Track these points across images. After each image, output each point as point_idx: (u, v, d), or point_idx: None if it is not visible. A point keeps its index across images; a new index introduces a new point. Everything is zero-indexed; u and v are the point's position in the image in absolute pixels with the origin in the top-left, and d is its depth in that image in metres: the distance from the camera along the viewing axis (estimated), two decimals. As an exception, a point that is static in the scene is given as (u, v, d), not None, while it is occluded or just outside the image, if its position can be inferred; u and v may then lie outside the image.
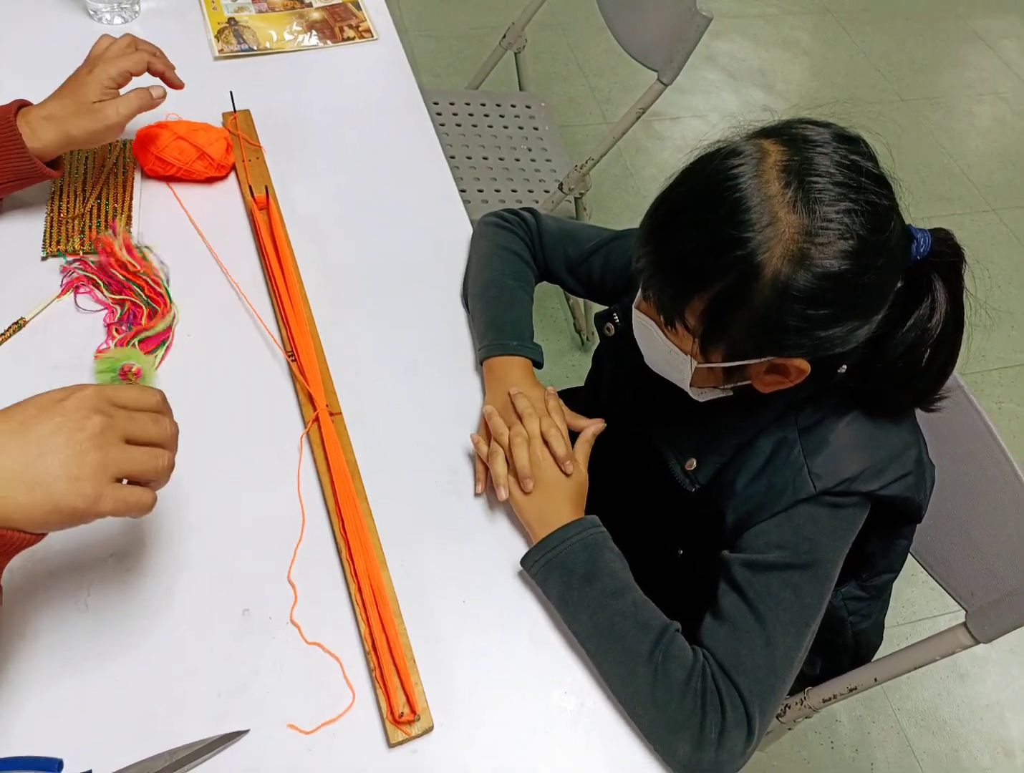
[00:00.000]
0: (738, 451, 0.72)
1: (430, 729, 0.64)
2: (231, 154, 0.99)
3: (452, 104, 1.67)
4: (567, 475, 0.75)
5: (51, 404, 0.54)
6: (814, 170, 0.58)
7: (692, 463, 0.74)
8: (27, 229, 0.89)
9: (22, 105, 0.84)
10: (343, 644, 0.67)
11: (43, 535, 0.53)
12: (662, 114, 2.40)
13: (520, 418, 0.77)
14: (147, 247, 0.88)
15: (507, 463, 0.75)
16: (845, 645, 0.86)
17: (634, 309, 0.72)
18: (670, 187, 0.64)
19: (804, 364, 0.64)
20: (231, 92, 1.03)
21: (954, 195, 2.34)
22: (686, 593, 0.76)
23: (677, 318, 0.64)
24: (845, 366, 0.67)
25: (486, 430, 0.79)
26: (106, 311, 0.85)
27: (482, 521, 0.76)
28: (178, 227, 0.93)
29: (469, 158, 1.57)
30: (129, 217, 0.92)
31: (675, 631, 0.67)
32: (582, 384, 1.02)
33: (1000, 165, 2.45)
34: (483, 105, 1.68)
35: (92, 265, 0.87)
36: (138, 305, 0.84)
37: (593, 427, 0.80)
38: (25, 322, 0.83)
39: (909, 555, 0.84)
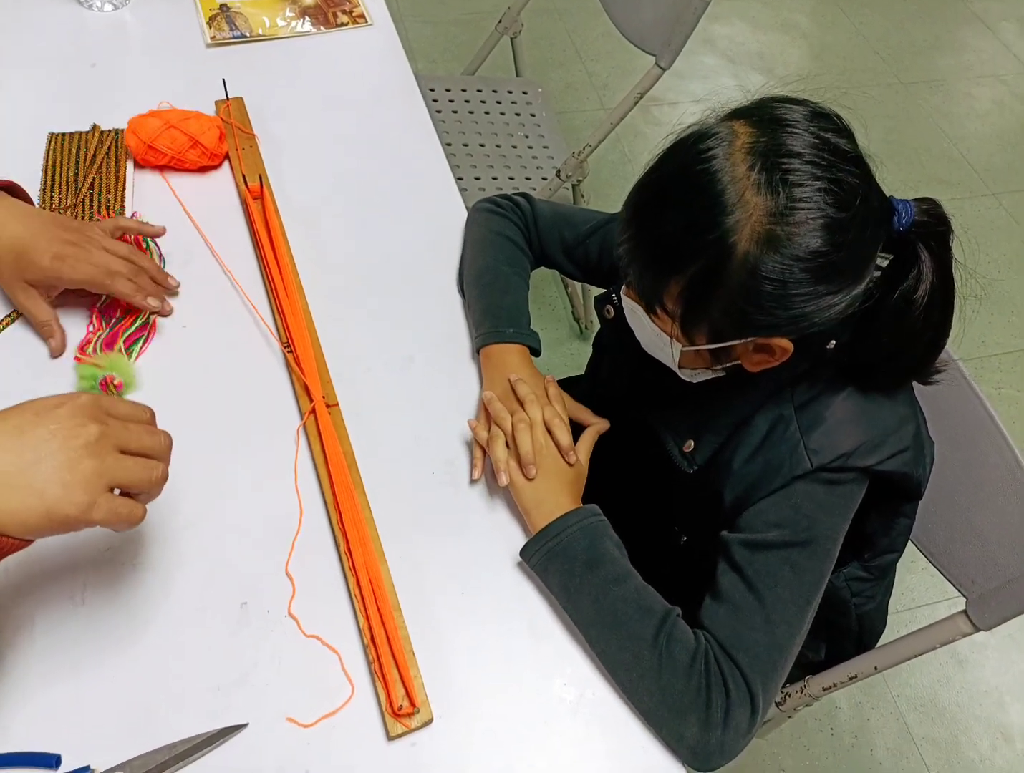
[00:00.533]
0: (734, 430, 0.72)
1: (429, 721, 0.64)
2: (224, 143, 0.98)
3: (448, 90, 1.65)
4: (570, 465, 0.74)
5: (47, 410, 0.53)
6: (781, 150, 0.58)
7: (690, 445, 0.74)
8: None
9: (7, 187, 0.79)
10: (342, 637, 0.67)
11: (31, 541, 0.53)
12: (660, 99, 2.38)
13: (522, 404, 0.77)
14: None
15: (507, 449, 0.75)
16: (849, 628, 0.86)
17: (622, 294, 0.71)
18: (647, 173, 0.65)
19: (786, 343, 0.63)
20: (223, 79, 1.02)
21: (953, 179, 2.33)
22: (687, 579, 0.76)
23: (656, 302, 0.64)
24: (834, 342, 0.67)
25: (484, 417, 0.78)
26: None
27: (480, 512, 0.76)
28: (172, 217, 0.92)
29: (465, 145, 1.55)
30: (122, 207, 0.91)
31: (677, 615, 0.67)
32: (581, 373, 1.01)
33: (999, 148, 2.44)
34: (479, 91, 1.66)
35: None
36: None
37: (598, 426, 0.80)
38: (17, 315, 0.82)
39: (910, 542, 0.84)
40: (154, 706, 0.63)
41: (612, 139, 1.46)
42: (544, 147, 1.59)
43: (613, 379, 0.89)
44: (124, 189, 0.93)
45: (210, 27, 1.12)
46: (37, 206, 0.89)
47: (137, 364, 0.80)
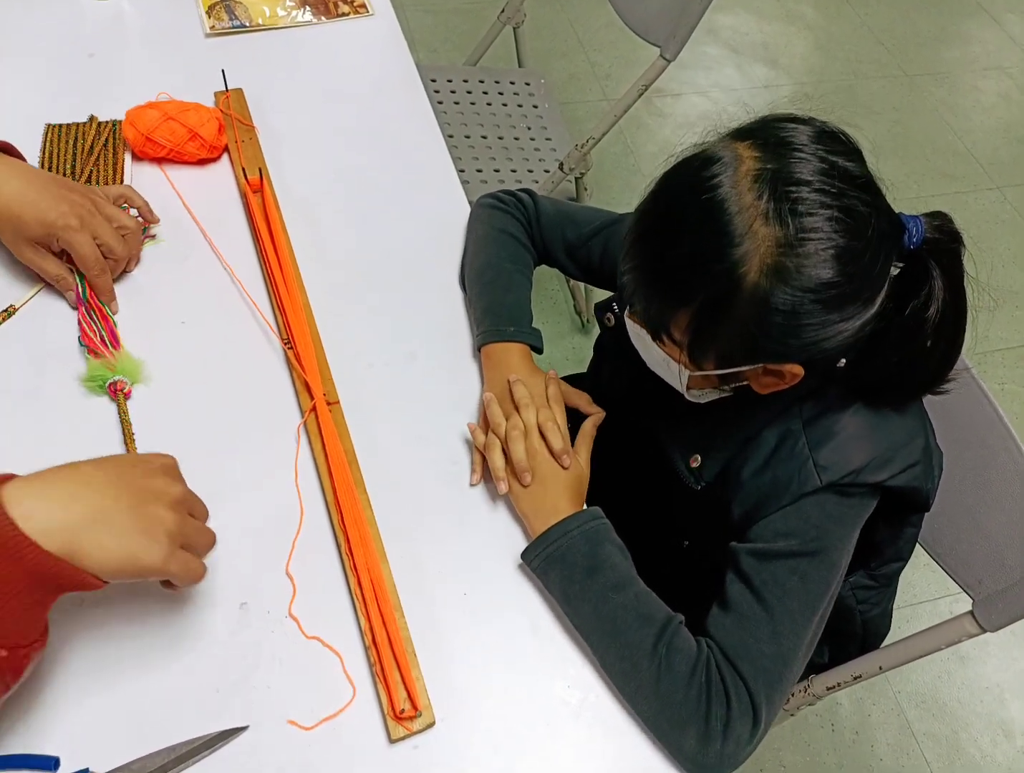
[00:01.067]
0: (742, 445, 0.71)
1: (431, 724, 0.63)
2: (223, 135, 0.96)
3: (450, 81, 1.64)
4: (564, 469, 0.73)
5: (142, 462, 0.59)
6: (790, 178, 0.56)
7: (697, 459, 0.73)
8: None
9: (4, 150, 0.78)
10: (343, 638, 0.66)
11: (102, 585, 0.55)
12: (663, 90, 2.36)
13: (517, 408, 0.76)
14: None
15: (505, 455, 0.74)
16: (853, 633, 0.86)
17: (626, 317, 0.70)
18: (650, 198, 0.63)
19: (797, 368, 0.62)
20: (223, 70, 1.00)
21: (958, 173, 2.31)
22: (690, 583, 0.75)
23: (663, 332, 0.63)
24: (844, 360, 0.66)
25: (484, 420, 0.78)
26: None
27: (483, 511, 0.75)
28: (170, 210, 0.91)
29: (467, 137, 1.54)
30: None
31: (679, 623, 0.66)
32: (583, 367, 1.00)
33: (1005, 141, 2.42)
34: (481, 82, 1.65)
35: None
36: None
37: (593, 418, 0.78)
38: (15, 309, 0.81)
39: (918, 539, 0.83)
40: (154, 708, 0.62)
41: (615, 131, 1.44)
42: (547, 139, 1.58)
43: (613, 383, 0.88)
44: (122, 181, 0.92)
45: (209, 16, 1.10)
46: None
47: (144, 365, 0.79)
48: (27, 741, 0.60)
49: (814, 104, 0.65)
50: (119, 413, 0.75)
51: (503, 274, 0.86)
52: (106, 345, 0.78)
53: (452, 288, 0.91)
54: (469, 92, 1.63)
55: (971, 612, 0.78)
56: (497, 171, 1.50)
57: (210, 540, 0.63)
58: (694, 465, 0.73)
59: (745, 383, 0.66)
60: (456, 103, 1.60)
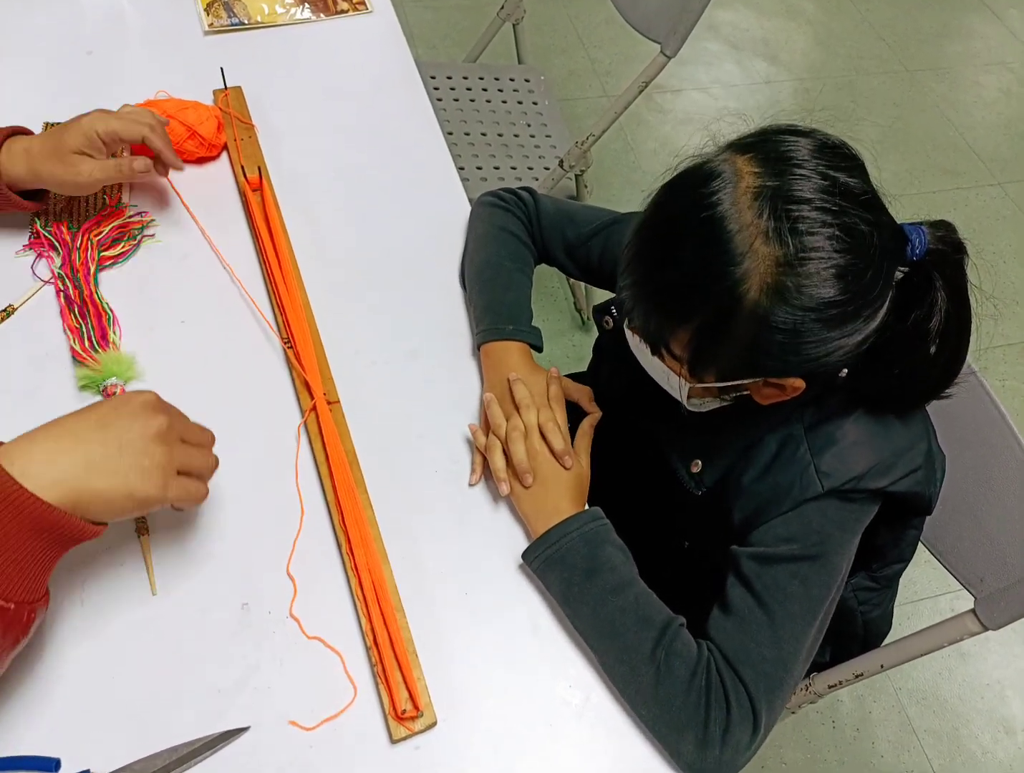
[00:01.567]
0: (744, 452, 0.71)
1: (433, 725, 0.63)
2: (222, 133, 0.96)
3: (449, 78, 1.63)
4: (566, 469, 0.73)
5: (121, 404, 0.60)
6: (790, 196, 0.56)
7: (697, 465, 0.73)
8: (14, 216, 0.86)
9: (16, 132, 0.81)
10: (344, 638, 0.66)
11: (101, 531, 0.58)
12: (663, 86, 2.35)
13: (518, 409, 0.75)
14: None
15: (505, 456, 0.74)
16: (855, 634, 0.86)
17: (625, 328, 0.69)
18: (649, 213, 0.62)
19: (798, 382, 0.62)
20: (222, 68, 1.00)
21: (959, 169, 2.30)
22: (690, 584, 0.75)
23: (663, 347, 0.63)
24: (846, 370, 0.65)
25: (485, 419, 0.77)
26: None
27: (484, 511, 0.75)
28: (169, 209, 0.90)
29: (467, 134, 1.53)
30: (119, 198, 0.90)
31: (679, 626, 0.66)
32: (583, 365, 1.00)
33: (1006, 137, 2.41)
34: (481, 79, 1.64)
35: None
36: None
37: (590, 418, 0.78)
38: (13, 309, 0.81)
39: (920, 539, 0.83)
40: (155, 709, 0.62)
41: (615, 127, 1.43)
42: (547, 136, 1.57)
43: (612, 385, 0.87)
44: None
45: (208, 14, 1.10)
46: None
47: (135, 358, 0.79)
48: (28, 742, 0.60)
49: (816, 114, 0.64)
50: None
51: (503, 272, 0.86)
52: (92, 348, 0.77)
53: (452, 286, 0.90)
54: (469, 89, 1.62)
55: (973, 610, 0.78)
56: (497, 168, 1.49)
57: (207, 462, 0.64)
58: (695, 470, 0.73)
59: (746, 393, 0.66)
60: (456, 100, 1.59)
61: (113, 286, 0.84)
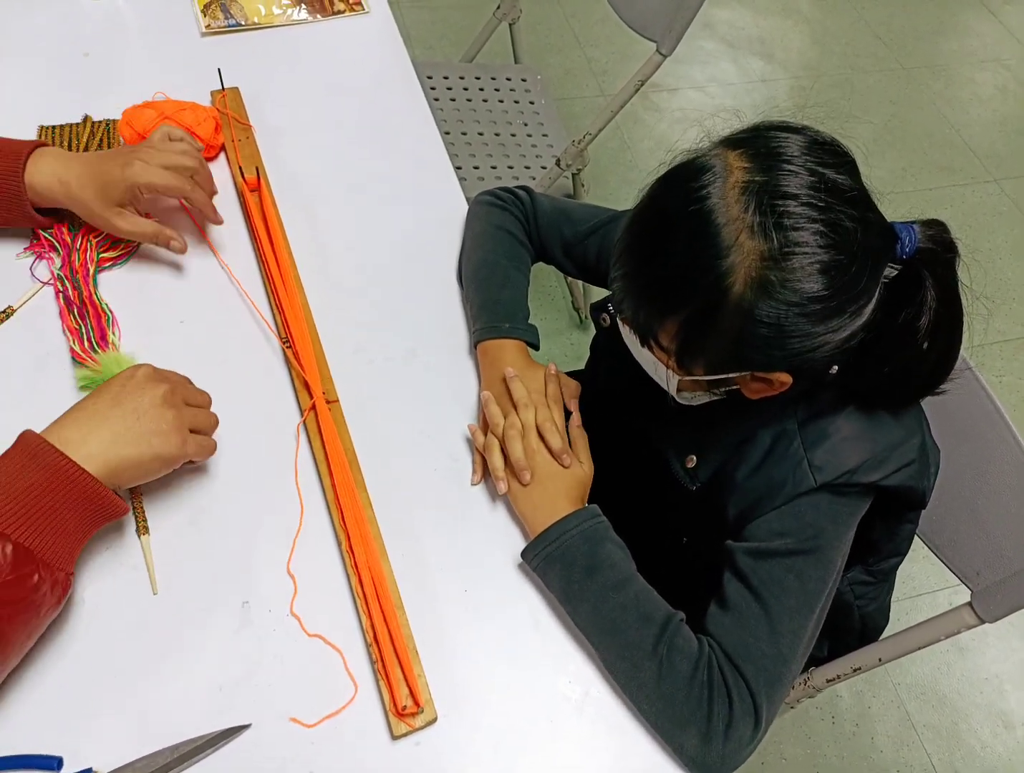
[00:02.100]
0: (737, 446, 0.71)
1: (433, 721, 0.63)
2: (220, 134, 0.96)
3: (446, 78, 1.63)
4: (565, 468, 0.73)
5: (126, 380, 0.67)
6: (777, 192, 0.56)
7: (692, 460, 0.74)
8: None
9: (39, 145, 0.81)
10: (344, 636, 0.67)
11: (128, 509, 0.65)
12: (659, 85, 2.36)
13: (515, 407, 0.76)
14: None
15: (504, 455, 0.74)
16: (852, 628, 0.86)
17: (618, 320, 0.70)
18: (641, 207, 0.63)
19: (785, 376, 0.62)
20: (219, 69, 1.00)
21: (956, 165, 2.31)
22: (687, 579, 0.75)
23: (651, 338, 0.63)
24: (836, 367, 0.65)
25: (484, 418, 0.78)
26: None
27: (483, 508, 0.75)
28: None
29: (464, 134, 1.54)
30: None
31: (679, 621, 0.66)
32: (581, 363, 1.00)
33: (1002, 134, 2.42)
34: (478, 79, 1.64)
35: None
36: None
37: (575, 418, 0.78)
38: (13, 310, 0.81)
39: (916, 532, 0.83)
40: (156, 707, 0.62)
41: (611, 126, 1.43)
42: (543, 135, 1.58)
43: (610, 383, 0.88)
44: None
45: (205, 15, 1.10)
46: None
47: (135, 358, 0.79)
48: (30, 741, 0.60)
49: (810, 110, 0.64)
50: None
51: (499, 270, 0.86)
52: (92, 349, 0.78)
53: (451, 285, 0.91)
54: (465, 89, 1.62)
55: (969, 603, 0.79)
56: (494, 168, 1.50)
57: (210, 419, 0.71)
58: (689, 466, 0.74)
59: (735, 388, 0.66)
60: (452, 100, 1.60)
61: (112, 287, 0.84)
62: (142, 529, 0.69)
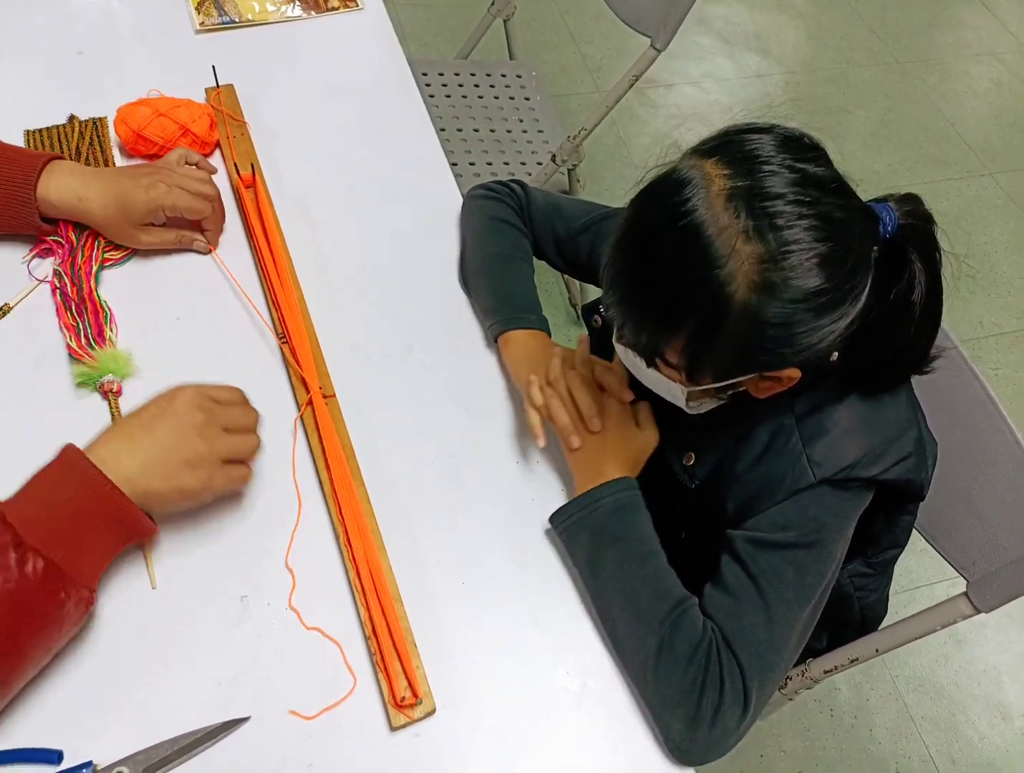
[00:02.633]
0: (735, 444, 0.71)
1: (432, 712, 0.64)
2: (215, 131, 0.96)
3: (441, 74, 1.63)
4: (591, 432, 0.74)
5: (167, 404, 0.66)
6: (763, 193, 0.56)
7: (691, 457, 0.74)
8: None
9: (53, 158, 0.82)
10: (343, 629, 0.67)
11: (156, 530, 0.65)
12: (655, 81, 2.36)
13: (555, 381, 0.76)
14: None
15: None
16: (852, 619, 0.86)
17: (615, 342, 0.70)
18: (625, 229, 0.62)
19: (794, 371, 0.62)
20: (213, 66, 1.00)
21: (951, 159, 2.31)
22: (689, 573, 0.76)
23: (658, 358, 0.63)
24: (837, 354, 0.65)
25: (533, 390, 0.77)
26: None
27: (481, 502, 0.76)
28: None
29: (460, 130, 1.54)
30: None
31: (691, 605, 0.67)
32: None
33: (997, 128, 2.42)
34: (473, 75, 1.64)
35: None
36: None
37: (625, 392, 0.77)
38: (9, 308, 0.81)
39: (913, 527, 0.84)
40: (156, 700, 0.63)
41: (607, 122, 1.44)
42: (539, 131, 1.58)
43: None
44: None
45: (199, 12, 1.10)
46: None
47: (132, 355, 0.79)
48: (30, 735, 0.60)
49: (806, 104, 0.64)
50: (111, 413, 0.75)
51: (512, 263, 0.86)
52: (89, 345, 0.78)
53: (447, 281, 0.91)
54: (461, 85, 1.62)
55: (966, 593, 0.79)
56: (490, 164, 1.50)
57: (247, 446, 0.69)
58: (688, 463, 0.74)
59: (743, 390, 0.66)
60: (448, 96, 1.60)
61: (109, 284, 0.84)
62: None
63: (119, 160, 0.94)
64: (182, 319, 0.83)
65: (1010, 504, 0.79)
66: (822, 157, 0.60)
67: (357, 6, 1.16)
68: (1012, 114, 2.47)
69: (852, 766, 1.39)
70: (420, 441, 0.78)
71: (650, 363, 0.65)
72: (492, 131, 1.55)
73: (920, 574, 1.58)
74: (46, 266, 0.85)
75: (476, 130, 1.55)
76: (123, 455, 0.62)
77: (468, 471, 0.77)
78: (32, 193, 0.80)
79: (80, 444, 0.62)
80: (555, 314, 1.87)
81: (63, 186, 0.81)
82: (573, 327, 1.86)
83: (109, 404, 0.76)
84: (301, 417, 0.77)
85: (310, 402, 0.77)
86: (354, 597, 0.68)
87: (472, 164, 1.49)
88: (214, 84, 1.00)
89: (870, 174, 2.20)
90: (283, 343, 0.81)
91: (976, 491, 0.83)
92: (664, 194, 0.59)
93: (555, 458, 0.79)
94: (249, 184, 0.93)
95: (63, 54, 1.04)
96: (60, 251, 0.84)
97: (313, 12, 1.14)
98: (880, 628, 0.89)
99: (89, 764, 0.59)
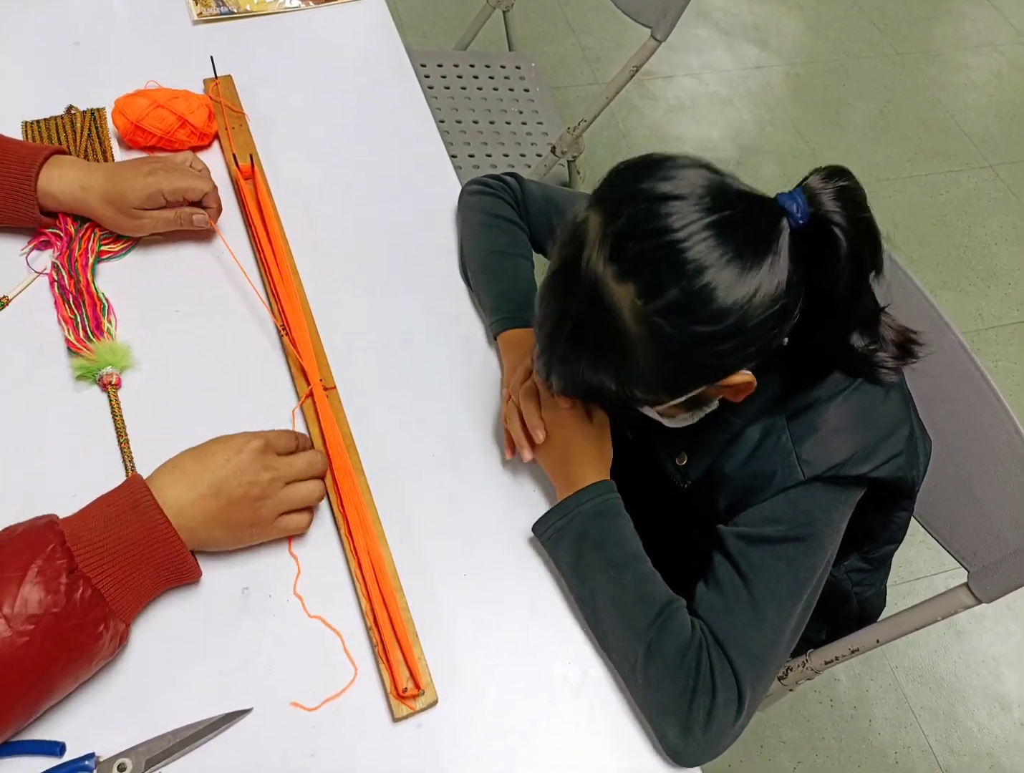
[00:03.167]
0: (727, 444, 0.71)
1: (434, 703, 0.64)
2: (214, 122, 0.96)
3: (440, 65, 1.63)
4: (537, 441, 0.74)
5: (234, 456, 0.65)
6: (626, 233, 0.57)
7: (683, 458, 0.74)
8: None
9: (56, 152, 0.83)
10: (344, 620, 0.67)
11: (200, 575, 0.66)
12: (654, 73, 2.35)
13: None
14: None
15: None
16: (850, 614, 0.86)
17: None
18: (546, 276, 0.64)
19: (746, 376, 0.61)
20: (211, 57, 1.00)
21: (950, 151, 2.31)
22: (681, 572, 0.76)
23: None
24: (786, 340, 0.63)
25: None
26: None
27: (481, 493, 0.76)
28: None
29: (459, 122, 1.53)
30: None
31: (677, 608, 0.66)
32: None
33: (997, 119, 2.42)
34: (472, 66, 1.64)
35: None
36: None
37: None
38: (8, 300, 0.81)
39: (911, 517, 0.84)
40: (158, 692, 0.63)
41: (606, 114, 1.43)
42: (538, 123, 1.57)
43: None
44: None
45: (197, 3, 1.09)
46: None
47: (132, 348, 0.79)
48: (33, 727, 0.60)
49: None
50: (111, 406, 0.75)
51: (507, 261, 0.86)
52: (87, 338, 0.78)
53: (446, 272, 0.91)
54: (460, 77, 1.62)
55: (966, 584, 0.79)
56: (489, 156, 1.49)
57: (311, 496, 0.69)
58: (680, 463, 0.74)
59: (715, 398, 0.67)
60: (447, 88, 1.59)
61: (108, 276, 0.84)
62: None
63: (117, 151, 0.94)
64: (181, 311, 0.83)
65: (1011, 495, 0.79)
66: (699, 166, 0.59)
67: (356, -4, 1.15)
68: (1012, 106, 2.46)
69: (851, 756, 1.40)
70: (421, 432, 0.78)
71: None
72: (491, 123, 1.55)
73: (920, 565, 1.58)
74: (44, 259, 0.84)
75: (475, 121, 1.54)
76: (186, 503, 0.63)
77: (469, 462, 0.77)
78: (31, 185, 0.79)
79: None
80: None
81: (66, 177, 0.81)
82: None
83: (108, 397, 0.76)
84: (301, 407, 0.77)
85: (310, 394, 0.77)
86: (355, 588, 0.68)
87: (471, 156, 1.49)
88: (212, 75, 1.00)
89: (869, 166, 2.19)
90: (283, 333, 0.81)
91: (977, 483, 0.83)
92: (567, 241, 0.61)
93: (556, 449, 0.79)
94: (248, 176, 0.92)
95: (60, 45, 1.03)
96: (58, 244, 0.84)
97: (312, 2, 1.13)
98: (881, 619, 0.89)
99: (91, 756, 0.59)
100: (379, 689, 0.64)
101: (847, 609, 0.86)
